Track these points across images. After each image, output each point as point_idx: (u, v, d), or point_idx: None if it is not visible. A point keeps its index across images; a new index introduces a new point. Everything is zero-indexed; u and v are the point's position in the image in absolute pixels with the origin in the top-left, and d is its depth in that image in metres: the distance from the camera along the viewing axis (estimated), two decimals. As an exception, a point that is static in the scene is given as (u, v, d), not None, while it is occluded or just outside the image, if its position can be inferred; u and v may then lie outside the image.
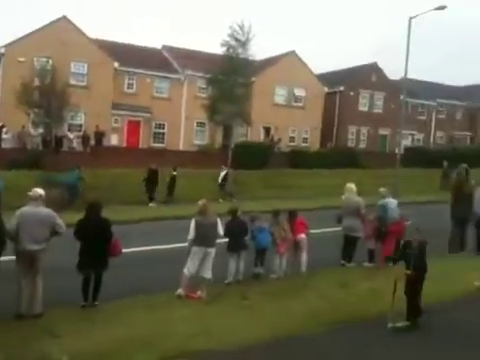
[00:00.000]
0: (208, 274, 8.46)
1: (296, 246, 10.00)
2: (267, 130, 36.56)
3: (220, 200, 19.57)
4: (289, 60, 36.93)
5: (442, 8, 22.76)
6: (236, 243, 9.26)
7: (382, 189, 11.31)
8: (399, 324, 6.88)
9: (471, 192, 12.26)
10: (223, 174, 21.94)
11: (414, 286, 6.94)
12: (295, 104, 37.50)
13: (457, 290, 8.25)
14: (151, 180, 19.86)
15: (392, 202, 11.00)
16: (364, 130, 40.89)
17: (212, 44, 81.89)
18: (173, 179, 20.71)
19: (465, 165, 23.16)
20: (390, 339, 6.63)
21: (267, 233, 9.68)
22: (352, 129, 40.44)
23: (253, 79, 32.13)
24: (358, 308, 6.96)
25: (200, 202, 8.73)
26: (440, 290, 8.24)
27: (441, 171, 25.75)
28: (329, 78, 39.77)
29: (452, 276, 8.91)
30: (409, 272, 6.87)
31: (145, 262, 10.73)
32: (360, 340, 6.49)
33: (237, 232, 9.28)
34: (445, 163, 25.82)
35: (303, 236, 10.00)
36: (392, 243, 10.41)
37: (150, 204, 19.50)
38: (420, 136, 44.33)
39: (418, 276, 6.90)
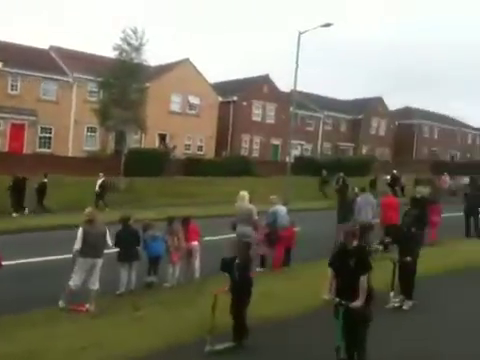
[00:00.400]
0: (95, 285, 8.12)
1: (189, 253, 9.99)
2: (162, 137, 36.23)
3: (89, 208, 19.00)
4: (184, 68, 37.02)
5: (328, 25, 24.05)
6: (127, 253, 9.00)
7: (272, 197, 11.68)
8: (219, 346, 6.22)
9: (353, 199, 13.13)
10: (100, 182, 21.10)
11: (237, 302, 6.33)
12: (190, 112, 37.63)
13: (307, 304, 7.92)
14: (18, 189, 18.63)
15: (282, 209, 11.41)
16: (257, 139, 42.13)
17: (102, 47, 79.78)
18: (42, 186, 19.48)
19: (342, 174, 25.24)
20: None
21: (160, 241, 9.56)
22: (246, 138, 41.46)
23: (147, 85, 31.66)
24: (253, 312, 7.05)
25: (87, 210, 8.38)
26: (289, 305, 8.05)
27: (319, 179, 27.54)
28: (223, 88, 40.49)
29: (313, 285, 8.35)
30: (227, 288, 6.39)
31: (22, 276, 10.00)
32: (255, 343, 6.56)
33: (128, 241, 9.03)
34: (324, 172, 27.98)
35: (196, 243, 10.02)
36: (282, 248, 10.99)
37: (13, 214, 18.25)
38: (309, 146, 46.63)
39: (240, 292, 6.31)
